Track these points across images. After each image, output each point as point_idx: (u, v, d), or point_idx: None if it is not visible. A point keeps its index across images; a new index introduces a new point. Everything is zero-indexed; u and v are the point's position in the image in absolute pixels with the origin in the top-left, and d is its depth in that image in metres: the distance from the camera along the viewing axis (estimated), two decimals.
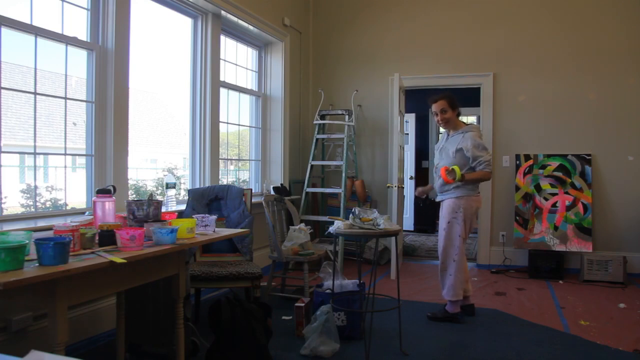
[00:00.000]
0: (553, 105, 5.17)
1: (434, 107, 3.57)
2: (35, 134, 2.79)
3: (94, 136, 3.13)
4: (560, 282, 4.72)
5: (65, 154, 3.07)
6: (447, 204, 3.53)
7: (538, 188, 5.10)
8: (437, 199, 3.66)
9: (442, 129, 3.66)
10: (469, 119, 9.87)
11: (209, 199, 3.57)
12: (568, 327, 3.39)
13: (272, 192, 5.00)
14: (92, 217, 2.30)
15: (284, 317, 3.49)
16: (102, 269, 1.78)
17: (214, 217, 2.57)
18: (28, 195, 3.25)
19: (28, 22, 2.74)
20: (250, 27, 4.77)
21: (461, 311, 3.53)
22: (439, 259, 3.58)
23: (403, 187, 5.44)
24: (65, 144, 3.03)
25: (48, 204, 3.24)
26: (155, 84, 9.41)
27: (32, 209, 2.98)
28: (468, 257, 5.80)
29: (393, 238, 4.31)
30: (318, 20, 6.04)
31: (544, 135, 5.19)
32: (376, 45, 5.77)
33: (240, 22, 4.56)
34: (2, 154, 2.65)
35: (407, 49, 5.64)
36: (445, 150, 3.57)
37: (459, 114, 3.60)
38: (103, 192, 2.30)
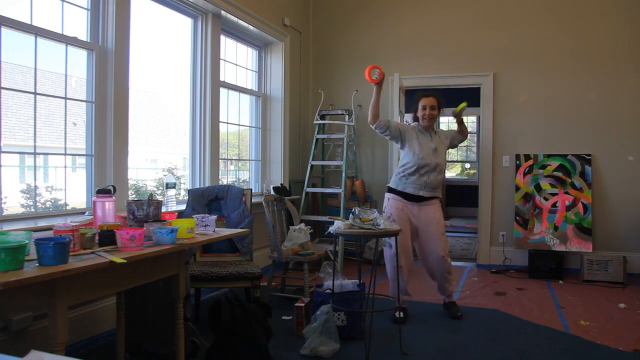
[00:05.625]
0: (553, 105, 5.16)
1: (426, 101, 3.53)
2: (35, 134, 2.79)
3: (94, 136, 3.13)
4: (560, 282, 4.72)
5: (65, 154, 3.07)
6: None
7: (538, 188, 5.10)
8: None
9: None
10: (469, 119, 9.89)
11: (209, 199, 3.57)
12: (568, 327, 3.39)
13: (272, 192, 5.00)
14: (92, 217, 2.30)
15: (284, 317, 3.49)
16: (102, 269, 1.78)
17: (214, 217, 2.58)
18: (28, 195, 3.25)
19: (28, 22, 2.74)
20: (250, 27, 4.77)
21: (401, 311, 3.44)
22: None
23: None
24: (65, 144, 3.03)
25: (48, 204, 3.24)
26: (155, 84, 9.41)
27: (32, 209, 2.98)
28: (468, 257, 5.84)
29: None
30: (318, 21, 6.04)
31: (544, 135, 5.19)
32: (376, 45, 5.76)
33: (240, 22, 4.56)
34: (2, 154, 2.65)
35: (407, 49, 5.64)
36: (439, 149, 3.54)
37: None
38: (103, 192, 2.30)
